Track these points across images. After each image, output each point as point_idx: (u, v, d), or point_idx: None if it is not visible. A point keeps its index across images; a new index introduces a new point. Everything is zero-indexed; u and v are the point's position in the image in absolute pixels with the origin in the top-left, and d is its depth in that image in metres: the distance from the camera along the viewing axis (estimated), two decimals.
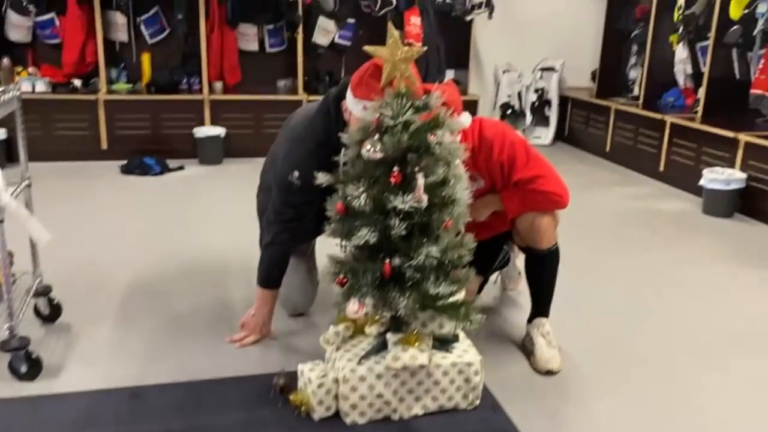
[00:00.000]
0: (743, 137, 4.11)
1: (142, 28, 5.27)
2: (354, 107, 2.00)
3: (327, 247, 1.96)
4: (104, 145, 5.04)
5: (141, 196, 4.20)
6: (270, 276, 2.30)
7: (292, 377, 1.96)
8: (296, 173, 2.14)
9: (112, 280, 2.85)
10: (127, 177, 4.65)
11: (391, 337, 1.86)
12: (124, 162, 4.79)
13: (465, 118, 2.10)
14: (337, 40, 5.59)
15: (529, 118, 6.21)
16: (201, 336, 2.39)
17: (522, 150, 2.19)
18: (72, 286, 2.67)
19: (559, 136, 6.32)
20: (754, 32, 4.40)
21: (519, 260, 2.75)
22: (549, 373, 2.20)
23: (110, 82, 5.24)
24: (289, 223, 2.23)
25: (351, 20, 5.60)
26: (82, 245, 3.26)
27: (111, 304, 2.63)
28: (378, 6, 5.35)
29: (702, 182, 4.14)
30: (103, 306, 2.60)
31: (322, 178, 1.86)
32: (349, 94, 2.02)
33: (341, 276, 1.79)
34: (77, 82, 5.11)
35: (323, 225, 2.00)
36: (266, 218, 2.32)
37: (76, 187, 4.37)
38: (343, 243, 1.83)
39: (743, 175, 4.05)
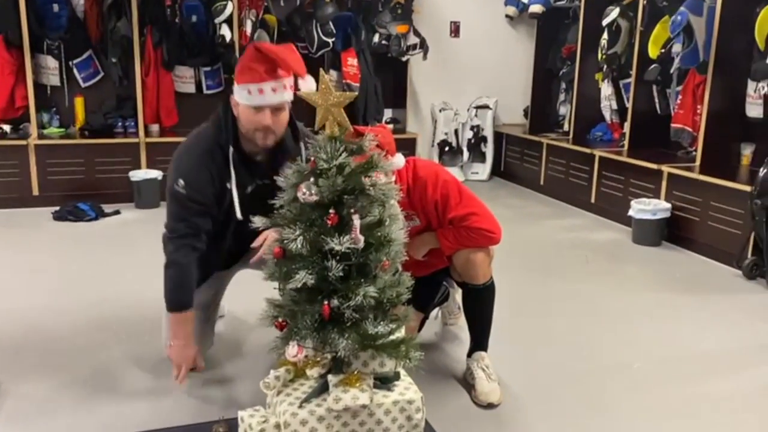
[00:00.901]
0: (666, 168, 4.33)
1: (75, 71, 5.18)
2: (239, 95, 2.06)
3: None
4: (35, 191, 4.88)
5: (74, 243, 4.08)
6: (176, 298, 2.21)
7: (232, 425, 1.93)
8: (181, 182, 2.13)
9: (42, 331, 2.75)
10: (60, 223, 4.51)
11: (332, 378, 1.85)
12: (57, 208, 4.66)
13: (398, 159, 2.16)
14: None
15: (466, 154, 6.37)
16: (137, 386, 2.33)
17: (455, 189, 2.25)
18: (0, 340, 2.57)
19: (496, 172, 6.49)
20: (671, 70, 4.67)
21: (459, 295, 2.80)
22: (490, 406, 2.24)
23: (42, 126, 5.12)
24: (183, 239, 2.16)
25: None
26: (9, 296, 3.14)
27: (41, 356, 2.54)
28: (315, 48, 5.43)
29: (630, 213, 4.32)
30: (32, 359, 2.51)
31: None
32: (234, 87, 2.08)
33: (280, 320, 1.79)
34: (6, 127, 4.96)
35: (238, 252, 2.01)
36: (162, 238, 2.24)
37: (5, 236, 4.21)
38: (281, 286, 1.83)
39: (668, 205, 4.25)
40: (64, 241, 4.14)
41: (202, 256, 2.24)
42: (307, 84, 2.09)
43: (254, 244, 2.22)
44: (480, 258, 2.29)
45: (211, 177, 2.17)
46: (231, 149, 2.16)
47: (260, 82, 2.04)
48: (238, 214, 2.17)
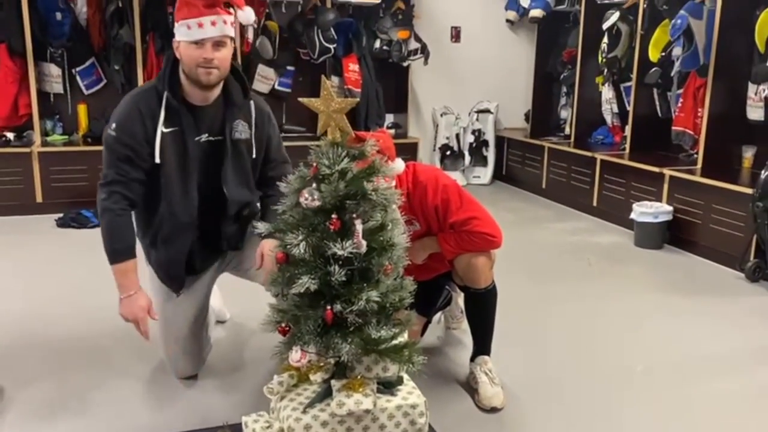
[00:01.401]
0: (668, 172, 4.34)
1: (78, 79, 5.21)
2: (179, 33, 2.08)
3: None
4: (39, 199, 4.90)
5: (77, 249, 4.09)
6: (111, 247, 2.15)
7: (236, 430, 1.94)
8: (113, 125, 2.13)
9: (45, 338, 2.76)
10: (63, 230, 4.53)
11: (335, 383, 1.86)
12: (60, 215, 4.68)
13: (399, 164, 2.17)
14: (276, 87, 5.65)
15: (467, 158, 6.38)
16: (140, 392, 2.34)
17: (455, 193, 2.26)
18: (3, 346, 2.58)
19: (498, 175, 6.50)
20: (672, 73, 4.68)
21: (461, 299, 2.80)
22: (493, 410, 2.24)
23: (45, 134, 5.14)
24: (112, 186, 2.12)
25: (290, 67, 5.69)
26: (13, 302, 3.15)
27: (44, 363, 2.55)
28: (316, 53, 5.45)
29: (632, 216, 4.33)
30: (36, 366, 2.52)
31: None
32: (175, 27, 2.09)
33: (283, 325, 1.80)
34: (10, 135, 4.98)
35: (215, 237, 2.05)
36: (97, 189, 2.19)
37: (9, 243, 4.23)
38: (284, 291, 1.84)
39: (670, 208, 4.26)
40: (67, 248, 4.16)
41: (174, 234, 2.18)
42: (246, 15, 2.15)
43: (255, 264, 2.19)
44: (481, 262, 2.30)
45: (141, 118, 2.13)
46: (166, 92, 2.14)
47: (199, 17, 2.05)
48: (157, 157, 2.12)
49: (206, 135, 2.21)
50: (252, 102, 2.29)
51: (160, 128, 2.13)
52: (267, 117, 2.35)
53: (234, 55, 2.03)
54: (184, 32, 2.07)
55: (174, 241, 2.23)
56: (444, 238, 2.29)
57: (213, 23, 2.06)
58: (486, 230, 2.26)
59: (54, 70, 5.10)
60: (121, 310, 2.19)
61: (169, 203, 2.18)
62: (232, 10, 2.14)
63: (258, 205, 2.37)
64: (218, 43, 2.10)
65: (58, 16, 4.98)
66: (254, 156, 2.29)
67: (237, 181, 2.25)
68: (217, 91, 2.20)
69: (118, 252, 2.15)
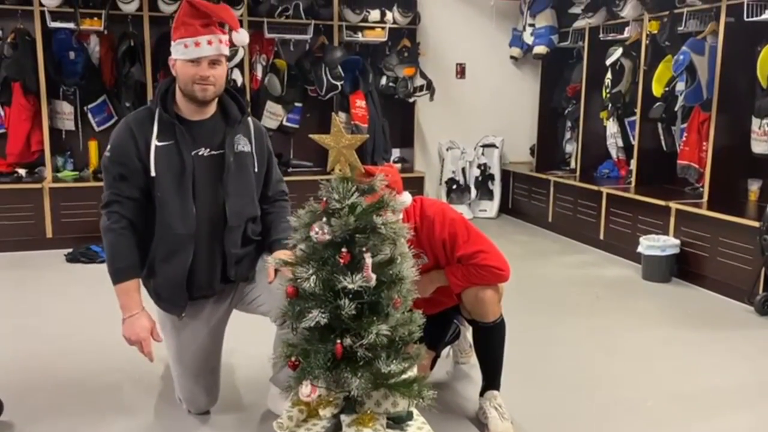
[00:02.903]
0: (674, 205, 4.35)
1: (89, 116, 5.29)
2: (176, 51, 2.13)
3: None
4: (49, 234, 4.95)
5: (86, 284, 4.12)
6: (116, 267, 2.17)
7: None
8: (108, 147, 2.20)
9: (55, 373, 2.76)
10: (73, 265, 4.56)
11: (345, 418, 1.86)
12: (70, 250, 4.71)
13: (406, 197, 2.20)
14: (285, 123, 5.72)
15: (474, 192, 6.42)
16: (152, 427, 2.33)
17: (462, 227, 2.28)
18: (13, 381, 2.58)
19: (504, 209, 6.52)
20: (676, 108, 4.73)
21: (470, 333, 2.80)
22: None
23: (56, 170, 5.21)
24: (110, 207, 2.16)
25: (298, 104, 5.77)
26: (24, 338, 3.16)
27: (53, 398, 2.54)
28: (324, 90, 5.54)
29: (640, 249, 4.33)
30: (45, 401, 2.52)
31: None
32: (171, 46, 2.14)
33: (293, 359, 1.80)
34: (22, 171, 5.06)
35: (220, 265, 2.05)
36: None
37: (19, 278, 4.25)
38: (294, 325, 1.85)
39: (677, 241, 4.26)
40: (76, 282, 4.18)
41: (172, 250, 2.17)
42: (241, 37, 2.21)
43: (269, 279, 2.20)
44: (489, 295, 2.30)
45: (133, 135, 2.17)
46: (158, 108, 2.18)
47: (196, 36, 2.11)
48: (152, 170, 2.14)
49: (207, 149, 2.23)
50: (250, 119, 2.35)
51: (154, 142, 2.17)
52: (264, 133, 2.41)
53: (243, 91, 2.10)
54: (181, 51, 2.13)
55: (173, 257, 2.20)
56: (452, 271, 2.30)
57: (209, 42, 2.13)
58: (494, 263, 2.27)
59: (66, 108, 5.19)
60: (123, 331, 2.19)
61: (165, 218, 2.17)
62: (227, 29, 2.21)
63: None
64: (214, 62, 2.16)
65: (72, 55, 5.10)
66: (257, 169, 2.32)
67: (240, 194, 2.26)
68: (212, 107, 2.26)
69: (120, 271, 2.17)
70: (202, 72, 2.14)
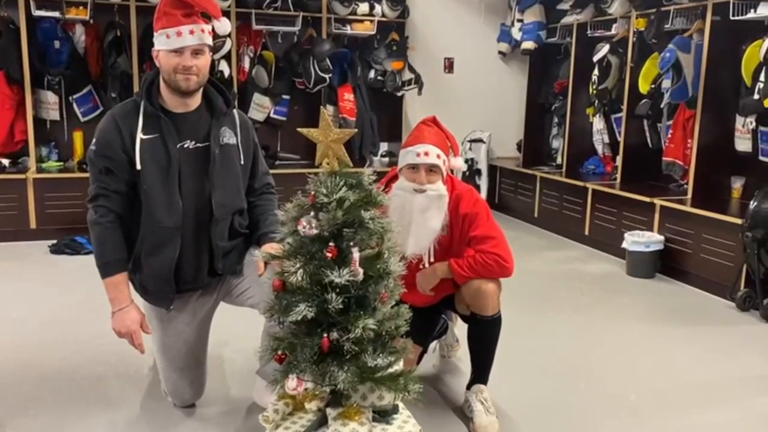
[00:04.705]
0: (659, 201, 4.39)
1: (75, 106, 5.23)
2: (159, 42, 2.13)
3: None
4: (33, 225, 4.90)
5: (71, 276, 4.09)
6: (104, 261, 2.18)
7: None
8: (93, 140, 2.19)
9: (39, 365, 2.74)
10: (57, 257, 4.52)
11: (330, 411, 1.86)
12: (54, 241, 4.67)
13: (460, 162, 2.36)
14: (272, 115, 5.70)
15: None
16: (136, 421, 2.32)
17: (485, 210, 2.36)
18: None
19: (490, 204, 6.45)
20: (662, 105, 4.76)
21: (457, 328, 2.82)
22: None
23: (40, 160, 5.16)
24: (96, 201, 2.16)
25: (285, 96, 5.75)
26: (6, 329, 3.13)
27: (39, 390, 2.53)
28: (312, 83, 5.52)
29: (624, 245, 4.36)
30: (30, 393, 2.50)
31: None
32: (154, 37, 2.14)
33: (279, 352, 1.80)
34: (5, 161, 5.00)
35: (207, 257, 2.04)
36: None
37: (2, 269, 4.21)
38: (281, 319, 1.85)
39: (661, 238, 4.30)
40: (61, 274, 4.15)
41: (159, 242, 2.17)
42: (223, 26, 2.22)
43: (260, 272, 2.20)
44: (491, 288, 2.32)
45: (118, 128, 2.16)
46: (143, 100, 2.18)
47: (178, 26, 2.11)
48: (138, 164, 2.14)
49: (192, 142, 2.22)
50: (235, 111, 2.35)
51: (139, 135, 2.16)
52: (250, 126, 2.41)
53: (230, 83, 2.07)
54: (163, 41, 2.13)
55: (159, 250, 2.19)
56: (457, 262, 2.31)
57: (191, 32, 2.13)
58: (501, 253, 2.31)
59: (51, 98, 5.13)
60: (113, 324, 2.19)
61: (151, 211, 2.16)
62: (209, 19, 2.21)
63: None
64: (197, 51, 2.16)
65: (57, 44, 5.04)
66: (242, 162, 2.31)
67: (226, 186, 2.25)
68: (196, 99, 2.25)
69: (109, 265, 2.18)
70: (185, 62, 2.13)
